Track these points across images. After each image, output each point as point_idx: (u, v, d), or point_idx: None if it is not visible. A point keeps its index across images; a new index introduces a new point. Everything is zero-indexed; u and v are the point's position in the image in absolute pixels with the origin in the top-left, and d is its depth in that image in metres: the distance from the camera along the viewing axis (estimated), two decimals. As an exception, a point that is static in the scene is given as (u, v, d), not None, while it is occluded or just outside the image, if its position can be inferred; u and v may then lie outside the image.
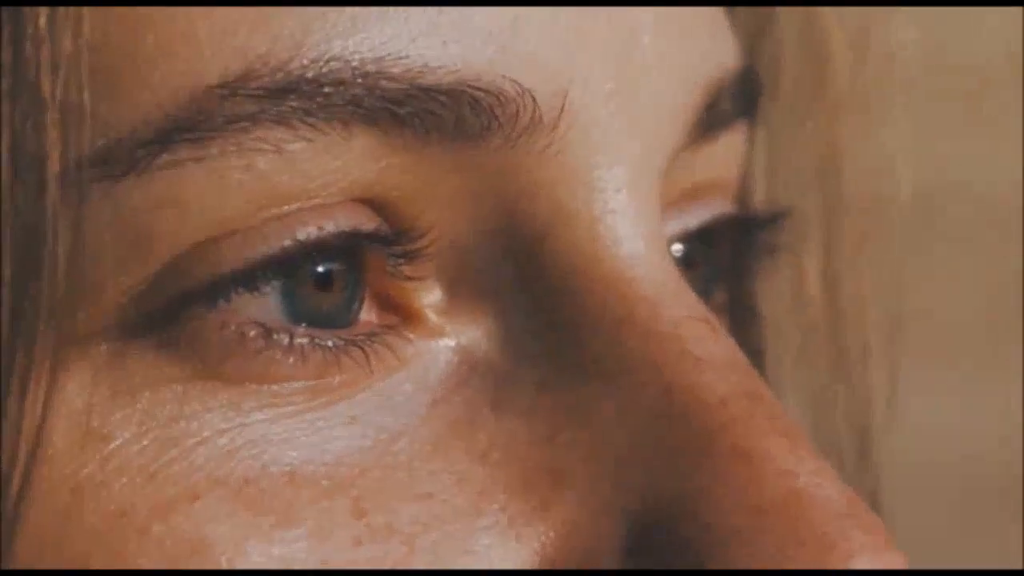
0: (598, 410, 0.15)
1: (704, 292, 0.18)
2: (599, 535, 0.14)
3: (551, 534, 0.14)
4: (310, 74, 0.13)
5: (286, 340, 0.14)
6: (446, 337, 0.15)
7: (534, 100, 0.14)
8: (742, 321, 0.22)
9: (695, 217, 0.19)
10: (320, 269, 0.14)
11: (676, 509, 0.14)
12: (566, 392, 0.15)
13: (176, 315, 0.13)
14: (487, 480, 0.14)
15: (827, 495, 0.14)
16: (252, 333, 0.14)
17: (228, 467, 0.13)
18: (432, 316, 0.15)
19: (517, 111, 0.14)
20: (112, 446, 0.13)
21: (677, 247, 0.19)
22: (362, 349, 0.14)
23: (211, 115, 0.13)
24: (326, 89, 0.13)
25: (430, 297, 0.15)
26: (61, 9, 0.12)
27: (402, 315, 0.15)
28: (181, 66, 0.13)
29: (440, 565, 0.14)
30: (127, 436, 0.13)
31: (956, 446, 0.63)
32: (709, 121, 0.18)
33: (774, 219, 0.22)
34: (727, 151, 0.19)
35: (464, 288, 0.15)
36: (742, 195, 0.21)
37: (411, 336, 0.15)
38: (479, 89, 0.14)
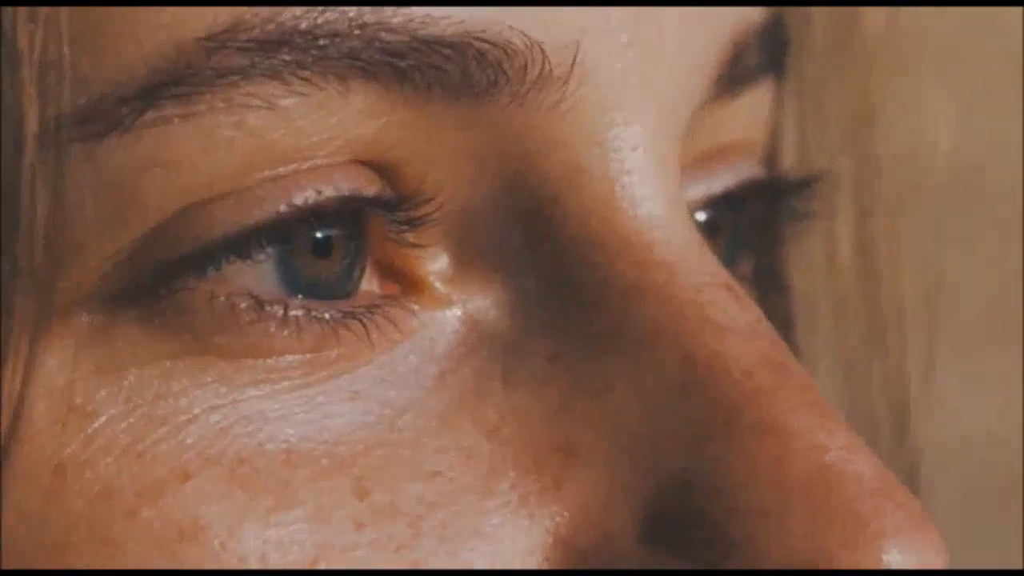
0: (613, 382, 0.14)
1: (729, 260, 0.17)
2: (615, 515, 0.13)
3: (564, 514, 0.14)
4: (303, 25, 0.12)
5: (280, 312, 0.13)
6: (453, 306, 0.14)
7: (543, 53, 0.13)
8: (770, 290, 0.21)
9: (720, 180, 0.18)
10: (318, 235, 0.14)
11: (697, 487, 0.13)
12: (579, 363, 0.14)
13: (163, 285, 0.13)
14: (497, 457, 0.14)
15: (859, 471, 0.13)
16: (244, 304, 0.13)
17: (221, 446, 0.13)
18: (438, 284, 0.14)
19: (526, 65, 0.13)
20: (96, 424, 0.12)
21: (700, 213, 0.18)
22: (361, 321, 0.13)
23: (199, 69, 0.12)
24: (321, 41, 0.12)
25: (435, 264, 0.14)
26: None
27: (406, 284, 0.14)
28: (167, 18, 0.12)
29: (447, 547, 0.13)
30: (112, 414, 0.13)
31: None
32: (733, 76, 0.17)
33: (804, 183, 0.21)
34: (753, 109, 0.18)
35: (471, 255, 0.14)
36: (770, 157, 0.20)
37: (415, 306, 0.14)
38: (485, 41, 0.13)
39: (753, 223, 0.19)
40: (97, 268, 0.12)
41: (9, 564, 0.12)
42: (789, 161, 0.22)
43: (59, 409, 0.12)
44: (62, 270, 0.12)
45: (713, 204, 0.18)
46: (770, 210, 0.20)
